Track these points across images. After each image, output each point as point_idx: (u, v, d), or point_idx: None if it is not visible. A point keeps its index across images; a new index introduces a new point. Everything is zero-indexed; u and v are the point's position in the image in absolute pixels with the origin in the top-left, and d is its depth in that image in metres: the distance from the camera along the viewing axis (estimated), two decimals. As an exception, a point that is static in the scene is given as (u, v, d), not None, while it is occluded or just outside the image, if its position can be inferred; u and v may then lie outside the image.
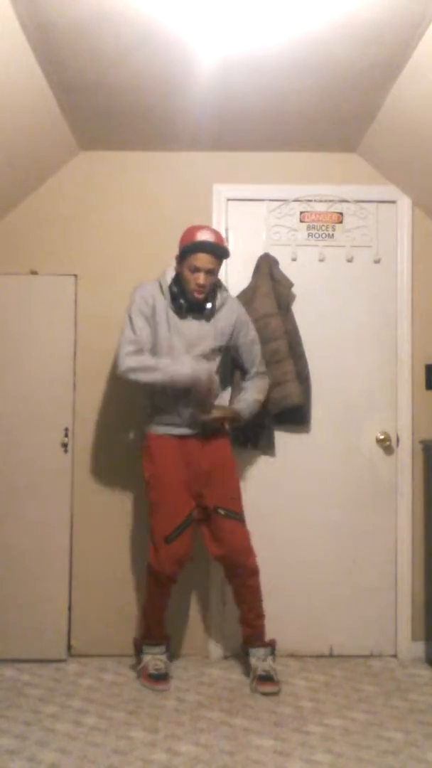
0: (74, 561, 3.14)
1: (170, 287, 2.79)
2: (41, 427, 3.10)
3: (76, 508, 3.15)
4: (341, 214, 3.26)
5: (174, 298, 2.77)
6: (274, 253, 3.19)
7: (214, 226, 3.21)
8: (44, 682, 2.84)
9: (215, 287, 2.84)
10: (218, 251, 2.74)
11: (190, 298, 2.76)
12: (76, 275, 3.15)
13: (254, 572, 2.82)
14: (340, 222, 3.26)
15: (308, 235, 3.26)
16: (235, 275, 3.21)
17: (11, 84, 2.41)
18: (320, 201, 3.25)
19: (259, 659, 2.81)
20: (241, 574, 2.79)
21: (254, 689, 2.74)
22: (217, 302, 2.83)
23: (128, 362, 2.68)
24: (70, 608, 3.11)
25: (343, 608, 3.18)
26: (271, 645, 2.87)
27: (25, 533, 3.07)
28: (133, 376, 2.69)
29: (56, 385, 3.11)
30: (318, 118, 2.89)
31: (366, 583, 3.19)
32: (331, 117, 2.89)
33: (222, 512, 2.76)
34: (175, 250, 2.96)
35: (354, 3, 2.07)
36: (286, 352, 3.05)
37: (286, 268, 3.18)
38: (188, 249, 2.72)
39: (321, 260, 3.25)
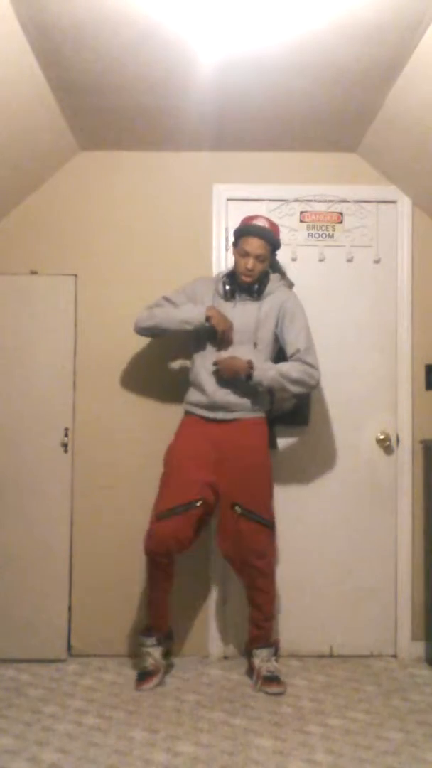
0: (74, 561, 3.14)
1: (223, 276, 2.85)
2: (41, 427, 3.10)
3: (76, 508, 3.15)
4: (341, 214, 3.26)
5: (224, 284, 2.82)
6: (274, 253, 3.19)
7: (214, 226, 3.21)
8: (44, 682, 2.84)
9: (266, 276, 2.83)
10: (267, 235, 2.76)
11: (240, 282, 2.79)
12: (76, 275, 3.15)
13: (265, 574, 2.78)
14: (340, 222, 3.26)
15: (308, 235, 3.26)
16: (235, 275, 3.21)
17: (11, 84, 2.41)
18: (320, 201, 3.25)
19: (263, 660, 2.80)
20: (249, 574, 2.77)
21: (259, 689, 2.73)
22: (266, 289, 2.82)
23: (139, 315, 2.85)
24: (70, 608, 3.11)
25: (343, 608, 3.18)
26: (275, 645, 2.86)
27: (25, 533, 3.07)
28: (138, 325, 2.85)
29: (56, 385, 3.11)
30: (318, 118, 2.89)
31: (366, 583, 3.19)
32: (331, 117, 2.89)
33: (239, 510, 2.71)
34: (176, 251, 2.97)
35: (354, 3, 2.07)
36: (287, 352, 3.05)
37: (286, 268, 3.17)
38: (239, 233, 2.80)
39: (321, 260, 3.25)
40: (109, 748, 2.30)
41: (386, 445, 3.22)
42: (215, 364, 2.74)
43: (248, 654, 2.88)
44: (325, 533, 3.20)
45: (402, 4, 2.07)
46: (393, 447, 3.22)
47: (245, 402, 2.76)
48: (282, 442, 3.19)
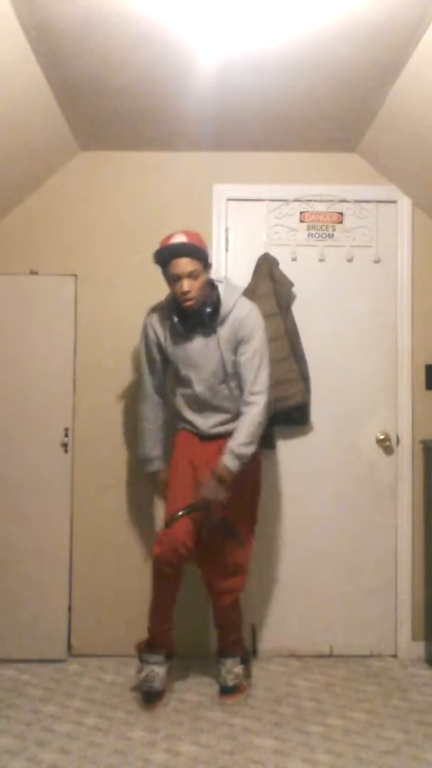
0: (74, 561, 3.14)
1: (170, 311, 2.63)
2: (41, 427, 3.09)
3: (76, 508, 3.15)
4: (341, 214, 3.26)
5: (173, 319, 2.61)
6: (274, 253, 3.19)
7: (214, 226, 3.22)
8: (44, 682, 2.84)
9: (215, 293, 2.58)
10: (189, 249, 2.49)
11: (184, 310, 2.56)
12: (76, 275, 3.15)
13: (232, 592, 2.68)
14: (340, 222, 3.26)
15: (308, 235, 3.26)
16: (235, 275, 3.19)
17: (11, 84, 2.41)
18: (320, 201, 3.25)
19: (227, 671, 2.71)
20: (216, 589, 2.68)
21: (219, 702, 2.66)
22: (222, 310, 2.56)
23: (139, 415, 2.82)
24: (70, 608, 3.11)
25: (343, 608, 3.18)
26: (241, 654, 2.78)
27: (25, 533, 3.07)
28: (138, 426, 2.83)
29: (56, 385, 3.11)
30: (318, 118, 2.89)
31: (366, 583, 3.19)
32: (331, 117, 2.89)
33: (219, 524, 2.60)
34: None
35: (354, 3, 2.07)
36: (288, 351, 3.05)
37: (286, 268, 3.18)
38: (160, 260, 2.54)
39: (321, 260, 3.25)
40: (109, 748, 2.30)
41: (386, 445, 3.22)
42: (208, 511, 2.54)
43: (218, 663, 2.77)
44: (325, 533, 3.20)
45: (402, 4, 2.07)
46: (393, 447, 3.22)
47: (231, 429, 2.61)
48: (282, 442, 3.20)
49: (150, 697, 2.62)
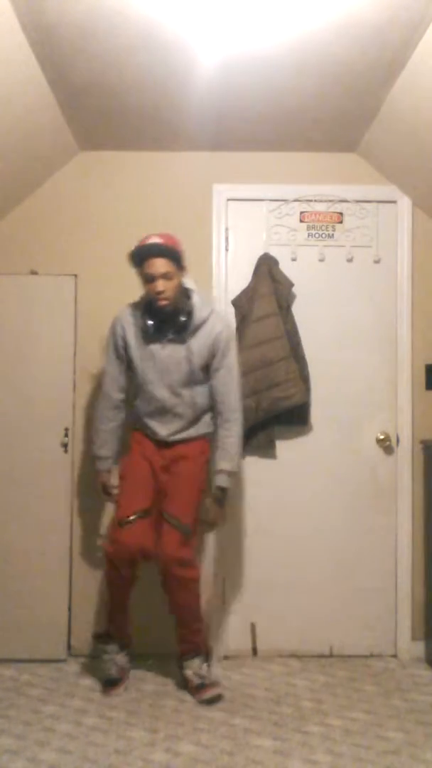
0: (74, 561, 3.14)
1: (142, 313, 2.67)
2: (41, 427, 3.10)
3: (76, 508, 3.15)
4: (341, 214, 3.26)
5: (145, 320, 2.66)
6: (274, 253, 3.19)
7: (214, 226, 3.22)
8: (44, 682, 2.84)
9: (188, 297, 2.65)
10: (165, 250, 2.54)
11: (158, 311, 2.61)
12: (76, 275, 3.15)
13: (186, 586, 2.65)
14: (340, 222, 3.26)
15: (308, 235, 3.26)
16: (235, 275, 3.21)
17: (11, 84, 2.41)
18: (320, 201, 3.25)
19: (195, 671, 2.72)
20: (173, 587, 2.64)
21: (197, 701, 2.65)
22: (195, 320, 2.63)
23: (98, 415, 2.82)
24: (70, 608, 3.11)
25: (343, 608, 3.18)
26: (207, 652, 2.79)
27: (25, 533, 3.07)
28: (93, 424, 2.86)
29: (56, 385, 3.11)
30: (318, 118, 2.89)
31: (366, 583, 3.19)
32: (331, 117, 2.89)
33: (165, 516, 2.64)
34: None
35: (354, 3, 2.07)
36: (287, 351, 3.05)
37: (286, 268, 3.18)
38: (136, 260, 2.59)
39: (321, 260, 3.25)
40: (109, 748, 2.30)
41: (386, 445, 3.22)
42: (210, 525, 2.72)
43: (179, 667, 2.78)
44: (325, 533, 3.20)
45: (401, 4, 2.07)
46: (393, 447, 3.22)
47: (194, 435, 2.75)
48: (282, 442, 3.20)
49: (107, 683, 2.74)
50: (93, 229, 3.24)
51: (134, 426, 2.83)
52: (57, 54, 2.37)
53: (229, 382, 2.70)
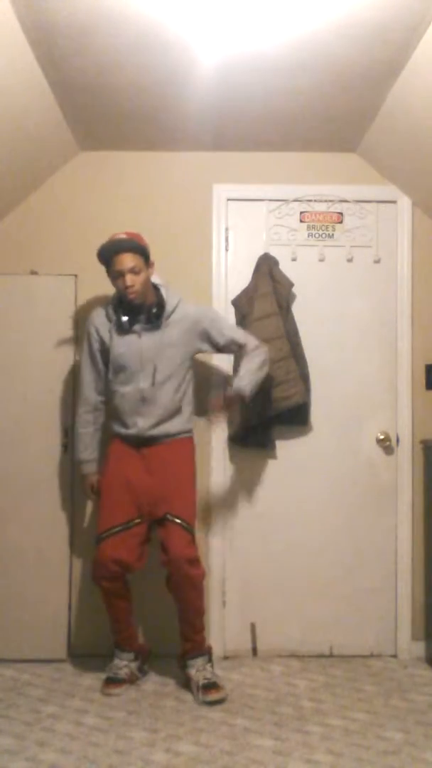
0: (74, 561, 3.14)
1: (112, 307, 2.76)
2: (41, 428, 3.10)
3: (76, 508, 3.15)
4: (341, 214, 3.26)
5: (119, 316, 2.73)
6: (274, 253, 3.19)
7: (214, 226, 3.22)
8: (44, 682, 2.84)
9: (160, 296, 2.74)
10: (130, 245, 2.63)
11: (128, 305, 2.69)
12: (76, 275, 3.15)
13: (195, 585, 2.67)
14: (340, 222, 3.26)
15: (308, 235, 3.26)
16: (235, 275, 3.21)
17: (11, 84, 2.41)
18: (320, 201, 3.25)
19: (199, 669, 2.72)
20: (183, 586, 2.66)
21: (201, 701, 2.63)
22: (168, 307, 2.72)
23: (78, 420, 2.86)
24: (70, 608, 3.11)
25: (343, 608, 3.18)
26: (208, 652, 2.80)
27: (25, 533, 3.07)
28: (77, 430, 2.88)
29: (56, 385, 3.11)
30: (318, 118, 2.89)
31: (366, 583, 3.19)
32: (331, 117, 2.89)
33: (170, 518, 2.66)
34: (176, 251, 2.96)
35: (354, 3, 2.07)
36: (287, 351, 3.05)
37: (286, 268, 3.18)
38: (104, 257, 2.68)
39: (321, 260, 3.25)
40: (109, 748, 2.30)
41: (386, 445, 3.22)
42: (219, 409, 2.78)
43: (182, 666, 2.79)
44: (325, 533, 3.20)
45: (402, 4, 2.07)
46: (393, 447, 3.22)
47: (174, 431, 2.76)
48: (282, 442, 3.20)
49: (110, 680, 2.75)
50: (93, 229, 3.23)
51: (111, 432, 2.83)
52: (57, 54, 2.37)
53: (238, 331, 2.86)
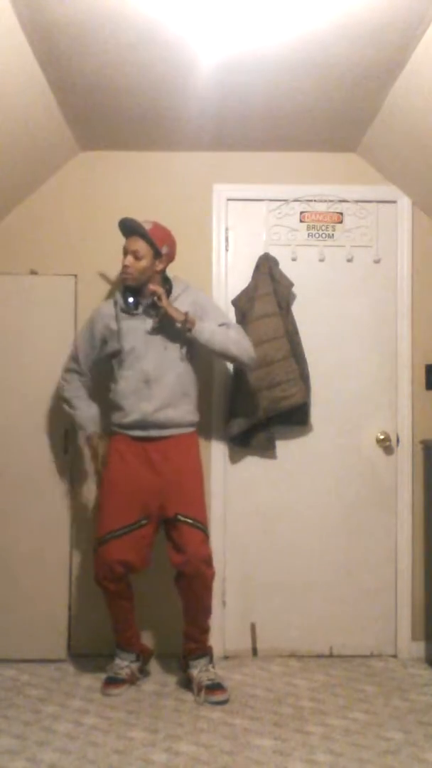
0: (74, 561, 3.14)
1: (120, 293, 2.79)
2: (41, 428, 3.10)
3: (76, 508, 3.15)
4: (341, 214, 3.26)
5: (126, 298, 2.76)
6: (274, 253, 3.19)
7: (214, 226, 3.22)
8: (44, 682, 2.84)
9: (169, 284, 2.79)
10: (137, 229, 2.68)
11: (132, 290, 2.73)
12: (76, 275, 3.15)
13: (208, 585, 2.69)
14: (340, 222, 3.26)
15: (308, 235, 3.26)
16: (235, 275, 3.21)
17: (11, 84, 2.41)
18: (320, 201, 3.25)
19: (202, 670, 2.72)
20: (197, 586, 2.66)
21: (204, 700, 2.63)
22: (174, 293, 2.76)
23: (64, 385, 2.88)
24: (70, 608, 3.11)
25: (343, 608, 3.18)
26: (210, 653, 2.80)
27: (25, 533, 3.07)
28: (61, 395, 2.89)
29: (56, 385, 3.11)
30: (318, 118, 2.89)
31: (366, 583, 3.19)
32: (331, 117, 2.89)
33: (182, 519, 2.64)
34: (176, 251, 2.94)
35: (354, 3, 2.07)
36: (288, 351, 3.05)
37: (286, 268, 3.18)
38: (122, 232, 2.76)
39: (321, 260, 3.25)
40: (109, 748, 2.30)
41: (386, 445, 3.22)
42: (155, 298, 2.66)
43: (184, 666, 2.80)
44: (325, 533, 3.20)
45: (402, 4, 2.07)
46: (393, 447, 3.22)
47: (178, 420, 2.73)
48: (282, 442, 3.20)
49: (110, 680, 2.76)
50: (93, 229, 3.24)
51: (112, 426, 2.80)
52: (57, 54, 2.37)
53: (224, 317, 2.87)
